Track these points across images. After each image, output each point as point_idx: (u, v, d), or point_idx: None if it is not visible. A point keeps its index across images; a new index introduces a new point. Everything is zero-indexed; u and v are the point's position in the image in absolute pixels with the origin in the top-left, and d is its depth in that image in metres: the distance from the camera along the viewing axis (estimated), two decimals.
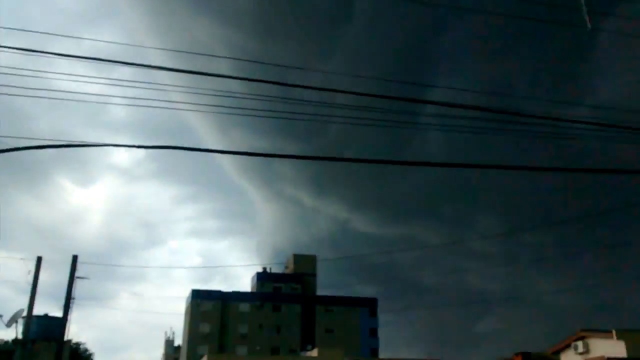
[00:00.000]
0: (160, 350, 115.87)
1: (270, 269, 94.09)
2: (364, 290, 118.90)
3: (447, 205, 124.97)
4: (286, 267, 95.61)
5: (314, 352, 55.96)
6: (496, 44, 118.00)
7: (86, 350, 70.30)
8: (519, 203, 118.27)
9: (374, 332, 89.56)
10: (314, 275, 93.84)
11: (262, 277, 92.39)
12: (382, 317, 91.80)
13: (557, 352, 31.02)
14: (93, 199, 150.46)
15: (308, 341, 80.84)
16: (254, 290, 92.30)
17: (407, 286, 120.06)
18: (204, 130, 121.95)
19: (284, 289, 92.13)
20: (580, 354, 28.74)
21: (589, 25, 11.67)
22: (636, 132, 9.90)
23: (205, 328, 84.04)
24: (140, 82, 8.93)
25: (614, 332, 27.31)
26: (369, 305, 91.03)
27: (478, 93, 13.11)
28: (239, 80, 9.22)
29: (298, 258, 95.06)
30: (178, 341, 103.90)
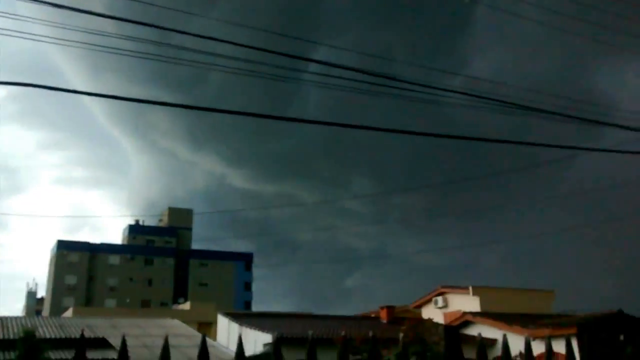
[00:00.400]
0: (21, 302, 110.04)
1: (144, 221, 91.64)
2: (239, 245, 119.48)
3: (322, 165, 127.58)
4: (160, 220, 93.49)
5: (186, 305, 55.74)
6: (379, 11, 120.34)
7: None
8: (391, 165, 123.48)
9: (248, 286, 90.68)
10: (189, 229, 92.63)
11: (135, 230, 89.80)
12: (257, 272, 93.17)
13: (419, 307, 33.01)
14: None
15: (181, 295, 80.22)
16: (126, 242, 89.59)
17: (281, 242, 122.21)
18: (73, 73, 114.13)
19: (158, 242, 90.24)
20: (440, 308, 30.83)
21: None
22: (500, 104, 10.52)
23: (71, 280, 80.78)
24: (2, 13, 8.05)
25: (470, 288, 29.54)
26: (245, 259, 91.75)
27: (360, 54, 13.33)
28: (113, 22, 8.59)
29: (173, 211, 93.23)
30: (42, 293, 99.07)
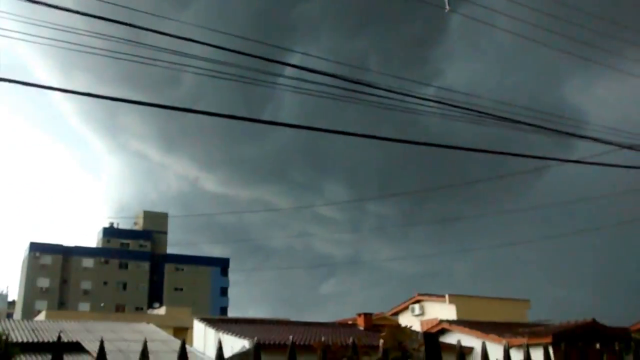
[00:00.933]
0: None
1: (118, 224, 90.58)
2: (213, 250, 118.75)
3: (296, 171, 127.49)
4: (135, 224, 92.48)
5: (162, 310, 55.17)
6: (353, 19, 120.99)
7: None
8: (364, 172, 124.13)
9: (225, 292, 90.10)
10: (164, 233, 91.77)
11: (109, 233, 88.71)
12: (231, 277, 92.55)
13: (396, 314, 33.13)
14: None
15: (156, 299, 79.37)
16: (100, 245, 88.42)
17: (255, 247, 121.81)
18: (42, 70, 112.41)
19: (133, 245, 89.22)
20: (417, 315, 30.98)
21: (447, 7, 12.10)
22: (474, 113, 10.61)
23: (44, 283, 79.47)
24: None
25: (446, 296, 29.76)
26: (221, 265, 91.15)
27: (333, 63, 13.39)
28: (84, 19, 8.42)
29: (148, 215, 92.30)
30: (13, 296, 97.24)
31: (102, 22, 8.12)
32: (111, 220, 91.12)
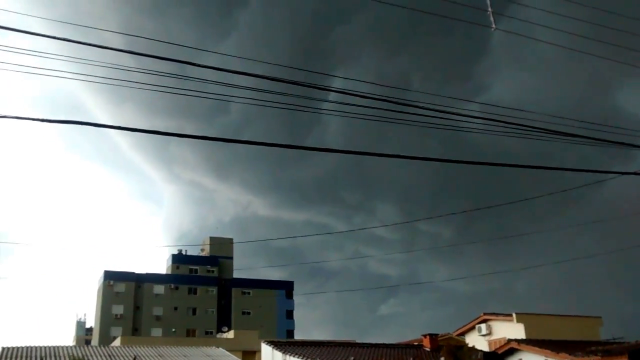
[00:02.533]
0: (71, 332, 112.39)
1: (186, 251, 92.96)
2: (271, 273, 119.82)
3: (345, 191, 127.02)
4: (202, 250, 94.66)
5: (230, 334, 56.18)
6: (394, 37, 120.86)
7: None
8: (414, 191, 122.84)
9: (290, 314, 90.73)
10: (230, 258, 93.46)
11: (178, 259, 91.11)
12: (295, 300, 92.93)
13: (463, 334, 32.68)
14: None
15: (224, 323, 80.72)
16: (169, 272, 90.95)
17: (312, 270, 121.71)
18: (96, 106, 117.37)
19: (200, 271, 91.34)
20: (483, 335, 30.48)
21: (493, 25, 12.23)
22: (521, 128, 10.58)
23: (118, 310, 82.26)
24: (27, 50, 8.56)
25: (514, 315, 29.18)
26: (285, 287, 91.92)
27: (375, 85, 13.66)
28: (133, 58, 9.05)
29: (214, 240, 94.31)
30: (90, 323, 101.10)
31: (150, 58, 8.70)
32: (179, 247, 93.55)
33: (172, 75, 9.61)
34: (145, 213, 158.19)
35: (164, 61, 8.82)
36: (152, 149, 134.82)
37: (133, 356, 24.82)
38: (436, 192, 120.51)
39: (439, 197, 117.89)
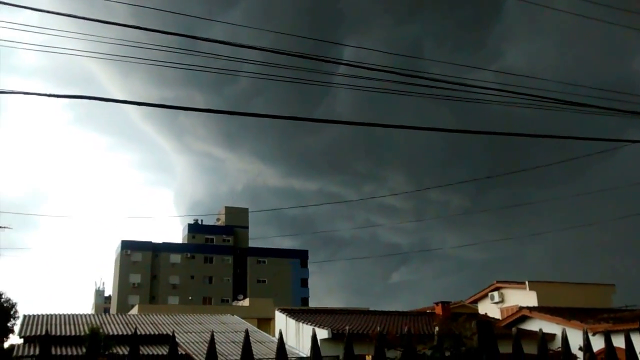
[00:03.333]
0: (90, 300, 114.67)
1: (202, 220, 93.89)
2: (284, 243, 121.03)
3: (356, 160, 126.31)
4: (218, 219, 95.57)
5: (246, 302, 57.01)
6: (404, 5, 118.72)
7: (8, 299, 68.54)
8: (424, 160, 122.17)
9: (304, 283, 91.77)
10: (245, 227, 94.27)
11: (194, 229, 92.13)
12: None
13: (475, 302, 32.89)
14: (7, 147, 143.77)
15: (240, 291, 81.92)
16: (185, 241, 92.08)
17: (324, 238, 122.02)
18: (106, 78, 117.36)
19: (216, 240, 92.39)
20: (496, 303, 30.66)
21: None
22: (532, 98, 10.44)
23: (135, 278, 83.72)
24: (37, 27, 8.60)
25: (526, 283, 29.28)
26: (300, 256, 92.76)
27: (387, 54, 13.47)
28: (140, 31, 9.04)
29: (229, 210, 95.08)
30: (109, 291, 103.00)
31: (158, 33, 8.67)
32: (195, 217, 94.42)
33: (178, 50, 9.58)
34: (157, 183, 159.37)
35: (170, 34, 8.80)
36: (162, 119, 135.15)
37: (151, 324, 25.34)
38: (447, 161, 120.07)
39: (449, 165, 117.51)
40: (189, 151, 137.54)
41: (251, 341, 23.13)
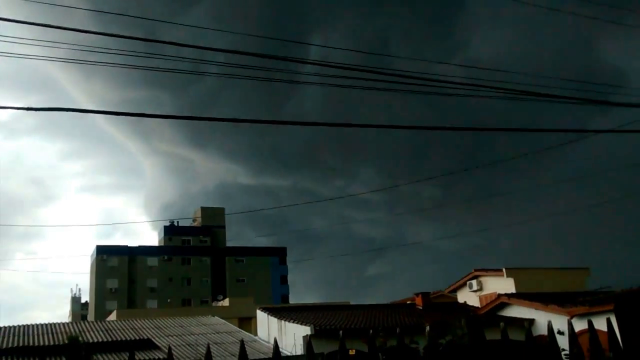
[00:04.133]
0: (66, 308, 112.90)
1: (178, 222, 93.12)
2: (259, 241, 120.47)
3: (327, 156, 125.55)
4: (194, 220, 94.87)
5: (226, 302, 56.78)
6: None
7: None
8: (395, 153, 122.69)
9: (284, 280, 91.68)
10: (222, 227, 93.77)
11: (170, 231, 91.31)
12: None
13: (454, 291, 33.20)
14: None
15: (219, 292, 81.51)
16: (162, 244, 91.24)
17: (299, 235, 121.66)
18: (67, 81, 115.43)
19: (193, 242, 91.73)
20: (475, 291, 31.00)
21: None
22: (500, 91, 10.48)
23: (113, 283, 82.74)
24: None
25: (504, 270, 29.64)
26: (279, 254, 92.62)
27: (354, 52, 13.46)
28: (102, 28, 8.80)
29: (205, 211, 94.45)
30: (85, 298, 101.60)
31: (120, 28, 8.49)
32: (171, 219, 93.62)
33: (138, 54, 9.37)
34: (126, 187, 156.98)
35: (133, 32, 8.61)
36: (127, 122, 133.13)
37: (130, 330, 25.05)
38: (418, 152, 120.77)
39: (420, 157, 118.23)
40: (156, 153, 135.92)
41: (233, 341, 22.93)
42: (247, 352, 21.05)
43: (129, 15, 9.76)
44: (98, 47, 9.13)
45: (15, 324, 25.01)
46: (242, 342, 6.98)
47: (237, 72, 9.53)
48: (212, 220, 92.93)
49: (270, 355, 19.78)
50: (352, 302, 35.69)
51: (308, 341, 7.37)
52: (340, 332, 7.48)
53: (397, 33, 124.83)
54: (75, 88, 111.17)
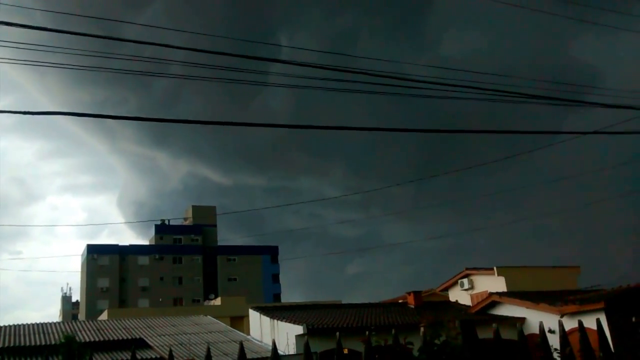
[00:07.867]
0: (55, 307, 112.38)
1: (169, 221, 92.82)
2: (249, 239, 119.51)
3: (297, 154, 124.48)
4: (185, 219, 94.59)
5: (217, 301, 56.71)
6: None
7: None
8: (367, 153, 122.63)
9: (276, 278, 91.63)
10: (214, 225, 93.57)
11: (161, 230, 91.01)
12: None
13: (446, 290, 33.32)
14: None
15: (211, 291, 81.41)
16: (153, 243, 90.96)
17: (278, 236, 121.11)
18: (19, 74, 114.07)
19: (184, 240, 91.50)
20: (466, 290, 31.13)
21: None
22: (471, 91, 10.43)
23: (103, 283, 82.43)
24: None
25: (495, 269, 29.77)
26: (270, 252, 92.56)
27: (322, 52, 13.40)
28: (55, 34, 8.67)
29: (197, 209, 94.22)
30: (76, 297, 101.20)
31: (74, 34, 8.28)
32: (162, 218, 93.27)
33: (101, 54, 9.19)
34: (99, 186, 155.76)
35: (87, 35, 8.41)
36: (90, 121, 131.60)
37: (122, 329, 24.99)
38: (389, 151, 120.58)
39: (392, 156, 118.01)
40: (123, 152, 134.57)
41: (226, 340, 22.94)
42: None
43: (85, 16, 9.61)
44: (48, 46, 8.82)
45: (4, 324, 24.88)
46: (241, 344, 7.00)
47: (199, 71, 9.35)
48: (204, 219, 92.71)
49: (263, 355, 19.81)
50: (345, 302, 35.77)
51: (305, 341, 7.40)
52: (337, 333, 7.53)
53: (365, 31, 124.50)
54: (32, 85, 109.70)
